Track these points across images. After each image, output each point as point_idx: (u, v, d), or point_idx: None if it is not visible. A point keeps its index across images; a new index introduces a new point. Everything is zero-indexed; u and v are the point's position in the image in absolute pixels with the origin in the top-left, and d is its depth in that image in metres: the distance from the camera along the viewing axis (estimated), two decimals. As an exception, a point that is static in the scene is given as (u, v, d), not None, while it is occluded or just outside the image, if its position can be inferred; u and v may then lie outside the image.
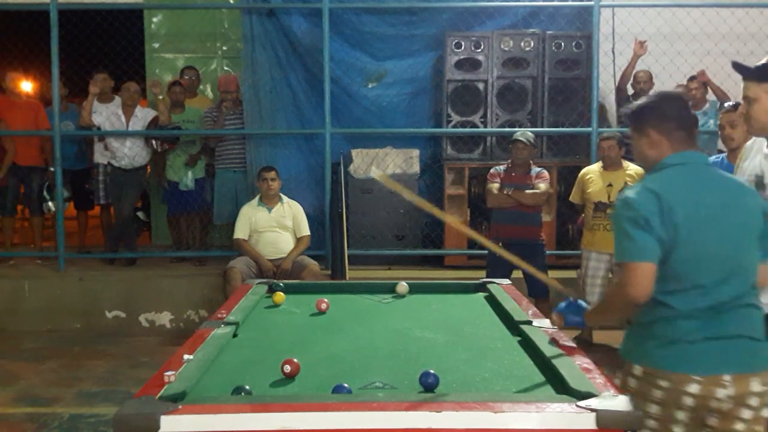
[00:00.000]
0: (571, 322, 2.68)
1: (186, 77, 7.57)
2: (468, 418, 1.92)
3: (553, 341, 2.66)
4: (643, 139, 2.40)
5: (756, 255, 2.35)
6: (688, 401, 2.25)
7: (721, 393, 2.23)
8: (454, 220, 3.47)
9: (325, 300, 3.44)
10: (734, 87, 6.79)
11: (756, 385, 2.26)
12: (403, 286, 3.81)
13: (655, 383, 2.28)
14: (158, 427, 1.88)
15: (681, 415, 2.27)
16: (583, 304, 2.70)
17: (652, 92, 2.58)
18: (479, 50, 6.98)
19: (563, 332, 2.82)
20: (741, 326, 2.27)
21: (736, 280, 2.27)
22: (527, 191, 5.60)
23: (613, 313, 2.44)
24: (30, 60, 9.69)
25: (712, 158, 4.37)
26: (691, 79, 6.70)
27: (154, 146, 7.03)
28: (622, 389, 2.30)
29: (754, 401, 2.26)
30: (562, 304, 2.72)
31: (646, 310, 2.31)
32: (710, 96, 6.75)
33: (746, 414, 2.26)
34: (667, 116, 2.36)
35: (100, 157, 7.23)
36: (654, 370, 2.29)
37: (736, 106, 4.19)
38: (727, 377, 2.23)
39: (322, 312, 3.38)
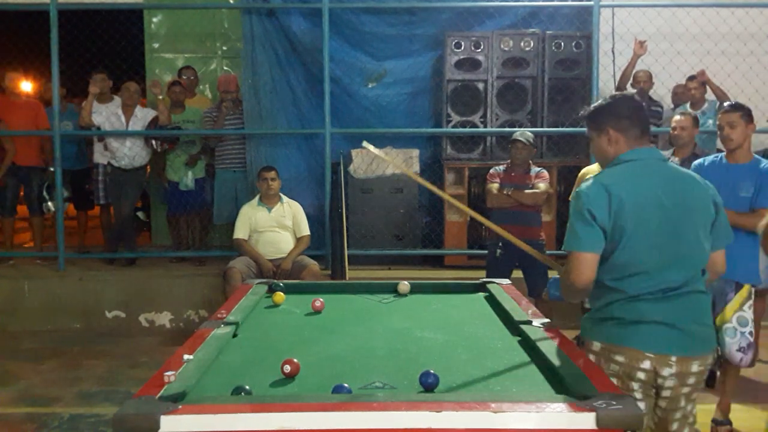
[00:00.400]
0: (553, 295, 2.91)
1: (184, 77, 7.57)
2: (468, 418, 1.92)
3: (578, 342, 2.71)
4: (603, 137, 2.58)
5: (705, 244, 2.52)
6: (641, 375, 2.48)
7: (666, 371, 2.47)
8: (450, 198, 3.53)
9: (320, 299, 3.45)
10: (734, 87, 6.82)
11: (695, 367, 2.50)
12: (405, 286, 3.81)
13: (613, 358, 2.51)
14: (158, 427, 1.88)
15: (635, 386, 2.50)
16: None
17: (609, 95, 2.74)
18: (479, 50, 6.98)
19: (563, 332, 2.82)
20: (688, 311, 2.48)
21: (682, 266, 2.46)
22: (527, 191, 5.60)
23: (567, 296, 2.63)
24: (30, 60, 9.69)
25: (710, 157, 4.38)
26: (691, 78, 6.70)
27: (154, 146, 7.03)
28: None
29: (691, 380, 2.51)
30: (551, 279, 2.98)
31: (600, 294, 2.54)
32: (709, 96, 6.74)
33: (685, 390, 2.52)
34: (623, 115, 2.55)
35: (99, 157, 7.24)
36: (611, 345, 2.51)
37: (735, 106, 4.19)
38: (673, 358, 2.47)
39: (317, 311, 3.38)
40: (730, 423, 4.16)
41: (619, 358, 2.49)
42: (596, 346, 2.57)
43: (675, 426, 2.57)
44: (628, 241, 2.43)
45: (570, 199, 4.80)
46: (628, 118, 2.54)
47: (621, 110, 2.56)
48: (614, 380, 2.44)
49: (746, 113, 4.11)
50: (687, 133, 5.04)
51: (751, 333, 3.98)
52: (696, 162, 4.40)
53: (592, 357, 2.56)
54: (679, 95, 6.90)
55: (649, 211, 2.43)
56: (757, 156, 4.19)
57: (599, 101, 2.66)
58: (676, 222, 2.46)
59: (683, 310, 2.46)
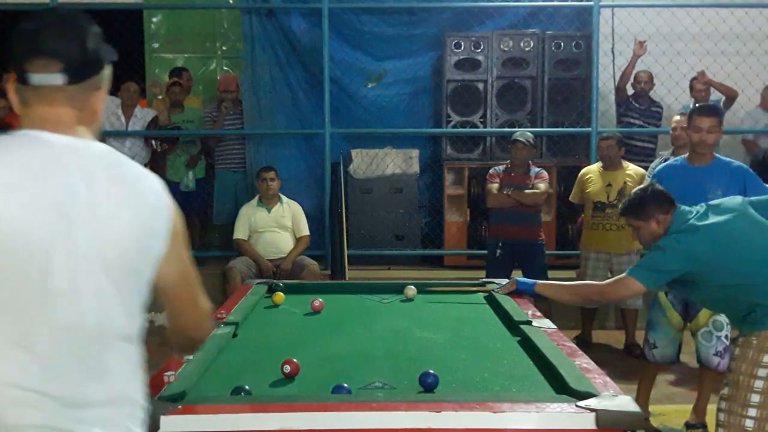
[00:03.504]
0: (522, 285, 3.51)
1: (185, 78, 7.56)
2: (468, 418, 1.92)
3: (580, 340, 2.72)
4: (651, 222, 3.00)
5: None
6: None
7: None
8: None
9: (319, 299, 3.45)
10: (733, 87, 6.81)
11: None
12: (411, 290, 3.75)
13: None
14: (158, 427, 1.88)
15: None
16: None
17: (638, 187, 3.23)
18: (479, 50, 6.98)
19: (563, 332, 2.82)
20: None
21: None
22: (527, 191, 5.60)
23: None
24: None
25: (666, 162, 4.40)
26: (694, 79, 6.69)
27: (154, 146, 7.03)
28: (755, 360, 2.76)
29: None
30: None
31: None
32: (713, 95, 6.74)
33: None
34: (664, 201, 3.03)
35: None
36: None
37: (713, 110, 4.17)
38: None
39: (316, 311, 3.38)
40: (704, 426, 4.06)
41: None
42: None
43: None
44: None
45: (612, 209, 5.37)
46: (668, 202, 3.01)
47: (661, 198, 3.02)
48: None
49: (722, 117, 4.08)
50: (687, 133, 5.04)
51: (727, 337, 3.94)
52: (656, 170, 4.42)
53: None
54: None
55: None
56: (717, 155, 4.14)
57: (633, 196, 3.10)
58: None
59: None
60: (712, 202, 3.08)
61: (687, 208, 3.04)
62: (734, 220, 2.91)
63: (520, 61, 7.00)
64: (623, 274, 3.06)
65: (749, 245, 2.87)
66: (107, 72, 1.66)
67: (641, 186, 3.27)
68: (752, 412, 2.74)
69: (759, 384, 2.74)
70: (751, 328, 2.83)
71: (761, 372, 2.74)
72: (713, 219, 2.92)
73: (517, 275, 5.48)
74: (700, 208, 3.04)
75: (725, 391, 2.85)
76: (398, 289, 3.86)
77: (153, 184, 1.63)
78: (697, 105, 5.37)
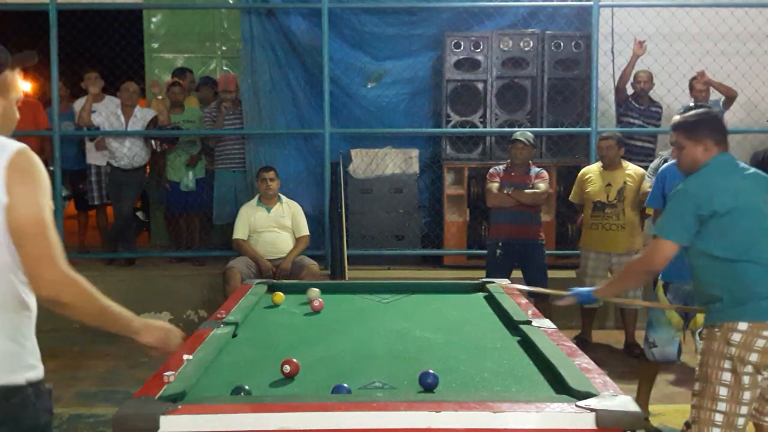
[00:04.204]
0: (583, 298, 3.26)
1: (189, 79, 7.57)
2: (468, 418, 1.92)
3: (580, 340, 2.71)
4: (698, 147, 2.92)
5: None
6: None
7: None
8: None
9: (319, 299, 3.45)
10: (733, 87, 6.81)
11: None
12: (314, 291, 3.63)
13: (761, 334, 2.72)
14: (157, 427, 1.89)
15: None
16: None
17: (699, 109, 3.13)
18: (478, 50, 6.98)
19: (563, 332, 2.82)
20: None
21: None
22: (527, 191, 5.60)
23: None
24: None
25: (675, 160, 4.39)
26: (694, 79, 6.69)
27: (154, 146, 7.03)
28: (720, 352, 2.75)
29: None
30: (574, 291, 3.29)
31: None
32: (712, 95, 6.74)
33: None
34: (720, 131, 2.97)
35: (93, 157, 7.21)
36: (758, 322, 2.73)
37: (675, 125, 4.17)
38: None
39: (316, 311, 3.38)
40: None
41: (765, 333, 2.72)
42: (743, 326, 2.73)
43: None
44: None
45: (612, 209, 5.43)
46: (722, 135, 2.96)
47: (718, 127, 2.97)
48: (755, 356, 2.71)
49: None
50: None
51: None
52: (661, 168, 4.42)
53: (736, 336, 2.73)
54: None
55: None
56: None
57: (692, 114, 3.01)
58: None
59: None
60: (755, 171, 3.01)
61: (735, 158, 2.99)
62: (757, 197, 2.87)
63: (520, 61, 6.99)
64: (652, 238, 2.95)
65: (756, 225, 2.82)
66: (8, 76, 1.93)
67: (701, 109, 3.15)
68: (722, 406, 2.74)
69: (726, 377, 2.74)
70: (714, 318, 2.83)
71: (726, 364, 2.74)
72: (750, 182, 2.89)
73: (517, 275, 5.50)
74: (748, 166, 3.00)
75: (696, 386, 2.85)
76: (398, 289, 3.87)
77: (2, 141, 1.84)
78: (691, 105, 5.38)
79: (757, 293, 2.75)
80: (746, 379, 2.72)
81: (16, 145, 1.83)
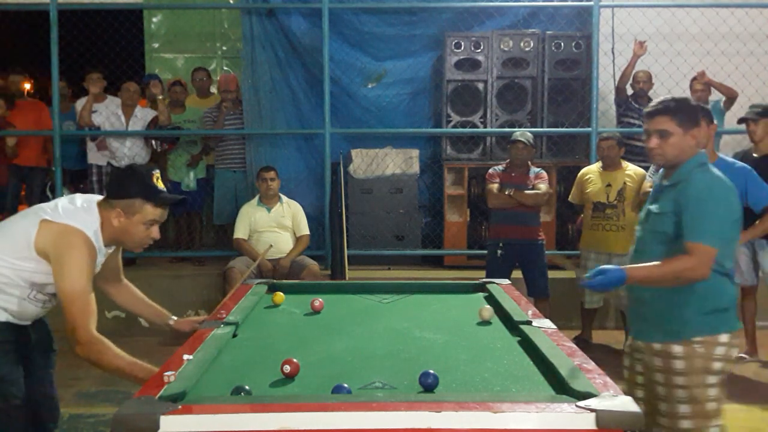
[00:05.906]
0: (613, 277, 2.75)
1: (197, 79, 7.56)
2: (468, 418, 1.92)
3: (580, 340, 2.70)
4: (688, 136, 2.74)
5: None
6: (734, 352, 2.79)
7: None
8: None
9: (319, 298, 3.44)
10: (734, 87, 6.81)
11: None
12: (487, 311, 3.22)
13: (734, 343, 2.75)
14: (158, 427, 1.88)
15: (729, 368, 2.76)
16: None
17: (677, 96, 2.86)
18: (479, 50, 6.98)
19: (563, 332, 2.82)
20: None
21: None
22: (528, 191, 5.59)
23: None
24: (29, 60, 9.69)
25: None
26: (694, 79, 6.69)
27: (154, 146, 7.03)
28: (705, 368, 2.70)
29: None
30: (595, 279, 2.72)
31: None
32: (712, 95, 6.74)
33: None
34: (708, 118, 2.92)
35: (93, 157, 7.21)
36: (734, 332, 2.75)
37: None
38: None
39: (316, 311, 3.38)
40: None
41: (735, 341, 2.76)
42: (725, 337, 2.73)
43: None
44: None
45: (612, 209, 5.35)
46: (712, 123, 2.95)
47: (708, 115, 2.90)
48: (719, 365, 2.70)
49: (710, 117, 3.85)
50: None
51: None
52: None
53: (720, 350, 2.70)
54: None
55: None
56: (721, 155, 4.10)
57: (679, 99, 2.78)
58: None
59: None
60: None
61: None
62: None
63: (520, 61, 7.00)
64: (691, 246, 2.64)
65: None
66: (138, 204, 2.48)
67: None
68: (715, 421, 2.71)
69: (713, 392, 2.70)
70: (693, 332, 2.70)
71: (711, 379, 2.70)
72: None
73: (517, 275, 5.50)
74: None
75: (684, 409, 2.70)
76: (399, 289, 3.86)
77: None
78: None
79: (732, 302, 2.77)
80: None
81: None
